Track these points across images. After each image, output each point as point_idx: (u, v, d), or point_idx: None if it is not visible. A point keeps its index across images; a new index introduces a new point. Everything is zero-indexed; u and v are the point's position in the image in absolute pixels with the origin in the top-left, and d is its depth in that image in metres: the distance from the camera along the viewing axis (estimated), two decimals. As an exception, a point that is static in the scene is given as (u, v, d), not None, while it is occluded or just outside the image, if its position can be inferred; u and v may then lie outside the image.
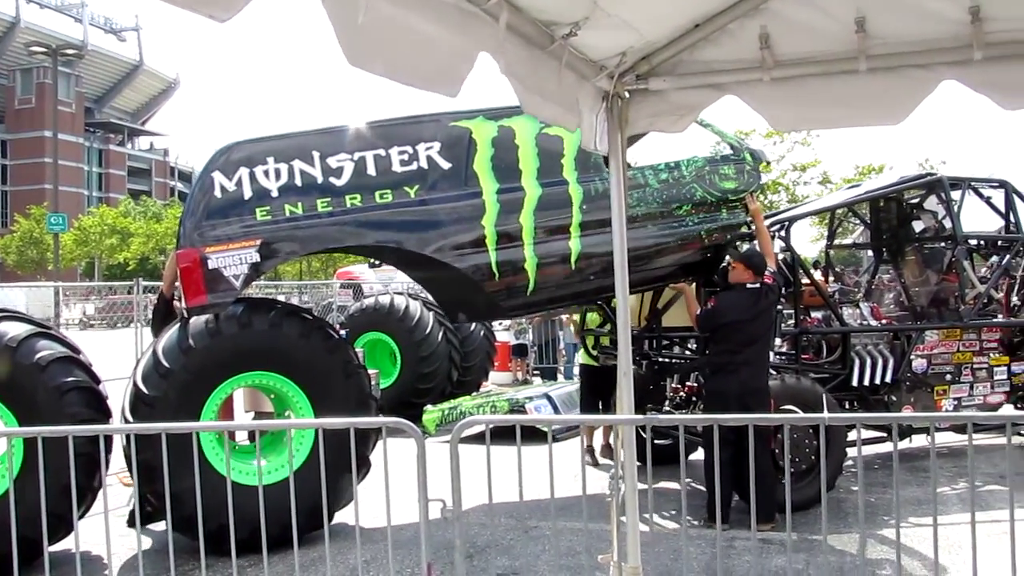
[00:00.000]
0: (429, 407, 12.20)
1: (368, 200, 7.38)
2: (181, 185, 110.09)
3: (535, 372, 18.03)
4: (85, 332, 30.46)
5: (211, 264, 7.09)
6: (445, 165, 7.53)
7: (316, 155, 7.39)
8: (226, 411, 9.05)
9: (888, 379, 8.79)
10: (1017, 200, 9.95)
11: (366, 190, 7.39)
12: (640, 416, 5.40)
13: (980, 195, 9.96)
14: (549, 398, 11.95)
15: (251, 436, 8.02)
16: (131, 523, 7.07)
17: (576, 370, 17.32)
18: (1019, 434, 10.18)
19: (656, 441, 8.87)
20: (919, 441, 9.54)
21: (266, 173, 7.30)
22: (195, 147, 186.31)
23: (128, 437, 6.45)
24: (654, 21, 4.08)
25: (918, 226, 10.16)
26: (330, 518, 6.96)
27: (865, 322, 9.14)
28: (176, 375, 6.96)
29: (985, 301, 9.45)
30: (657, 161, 8.26)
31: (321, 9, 2.59)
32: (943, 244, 9.92)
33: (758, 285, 7.34)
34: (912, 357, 8.85)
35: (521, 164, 7.65)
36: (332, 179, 7.35)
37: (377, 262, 31.78)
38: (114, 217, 70.15)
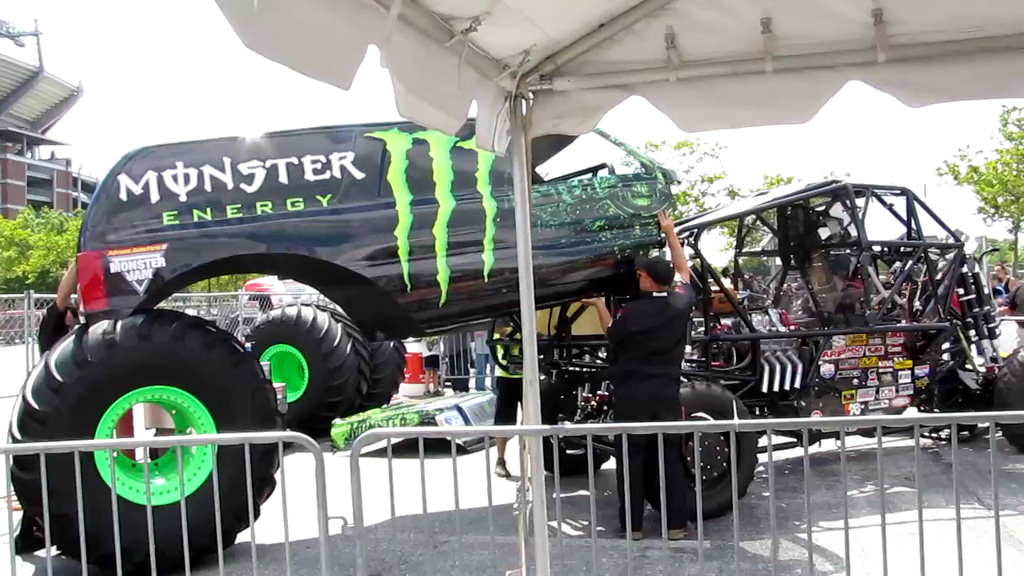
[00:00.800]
0: (338, 421, 11.91)
1: (279, 208, 7.24)
2: (84, 196, 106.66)
3: (447, 383, 17.85)
4: (-21, 349, 29.30)
5: (113, 268, 6.89)
6: (359, 175, 7.43)
7: (227, 161, 7.24)
8: (125, 427, 8.65)
9: (797, 384, 8.85)
10: (918, 207, 10.17)
11: (278, 198, 7.25)
12: (546, 427, 5.27)
13: (883, 202, 10.16)
14: (460, 409, 11.79)
15: (153, 453, 7.69)
16: (20, 549, 6.69)
17: (488, 381, 17.29)
18: (924, 436, 10.40)
19: (569, 451, 8.79)
20: (828, 445, 9.64)
21: (175, 178, 7.13)
22: (99, 157, 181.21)
23: (11, 457, 6.11)
24: (558, 18, 3.96)
25: (824, 233, 10.29)
26: (233, 538, 6.71)
27: (774, 328, 9.20)
28: (69, 389, 6.60)
29: (889, 306, 9.62)
30: (570, 177, 8.21)
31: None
32: (848, 251, 10.07)
33: (664, 294, 7.34)
34: (820, 362, 8.93)
35: (435, 177, 7.57)
36: (243, 185, 7.22)
37: (287, 275, 31.46)
38: (12, 229, 67.76)
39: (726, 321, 9.19)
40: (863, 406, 9.18)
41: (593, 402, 8.79)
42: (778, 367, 8.80)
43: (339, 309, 14.45)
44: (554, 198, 7.91)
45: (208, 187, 7.18)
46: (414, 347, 17.50)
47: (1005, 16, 3.80)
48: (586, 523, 7.66)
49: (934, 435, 10.56)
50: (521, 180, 4.48)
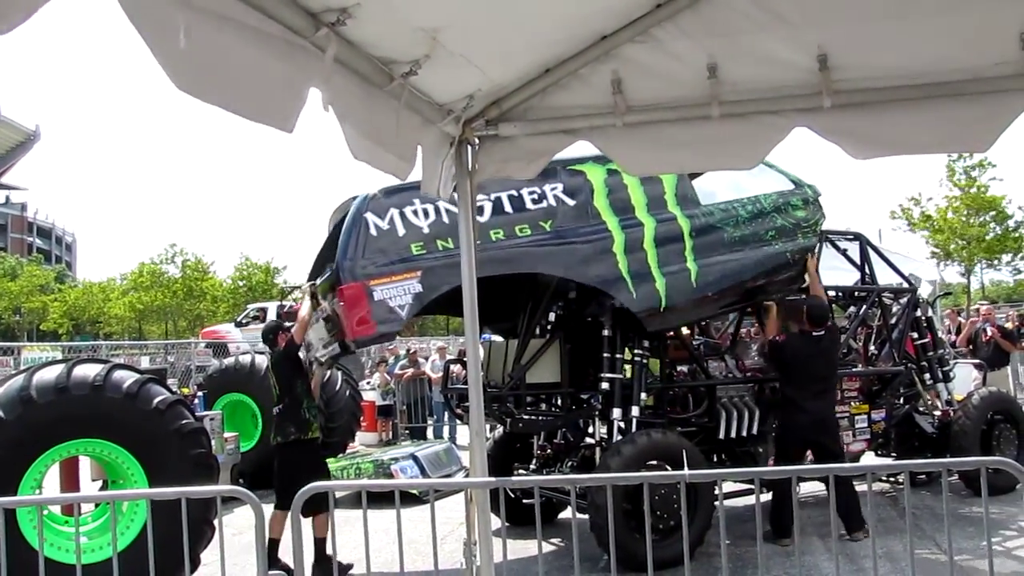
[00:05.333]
0: (291, 471, 11.63)
1: (510, 234, 7.91)
2: (40, 241, 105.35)
3: (405, 431, 17.61)
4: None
5: (376, 296, 7.41)
6: (570, 202, 8.20)
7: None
8: (70, 481, 8.37)
9: (754, 431, 8.78)
10: (871, 252, 10.22)
11: (506, 225, 7.93)
12: (492, 479, 5.14)
13: (837, 247, 10.20)
14: (416, 459, 11.57)
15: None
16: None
17: (446, 430, 17.07)
18: (880, 480, 10.37)
19: (525, 501, 8.64)
20: (786, 491, 9.55)
21: (415, 212, 7.79)
22: (57, 201, 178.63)
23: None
24: (501, 62, 3.91)
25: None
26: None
27: (730, 374, 9.15)
28: None
29: (844, 351, 9.60)
30: (741, 196, 8.95)
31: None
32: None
33: (822, 333, 8.36)
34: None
35: (632, 200, 8.41)
36: (475, 216, 7.59)
37: (245, 321, 31.29)
38: (-36, 275, 66.69)
39: (682, 367, 9.12)
40: (820, 451, 9.10)
41: (549, 451, 8.66)
42: (735, 413, 8.73)
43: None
44: (732, 213, 8.70)
45: (445, 219, 7.78)
46: (370, 395, 17.26)
47: (946, 64, 3.82)
48: None
49: (891, 479, 10.53)
50: (466, 225, 4.40)
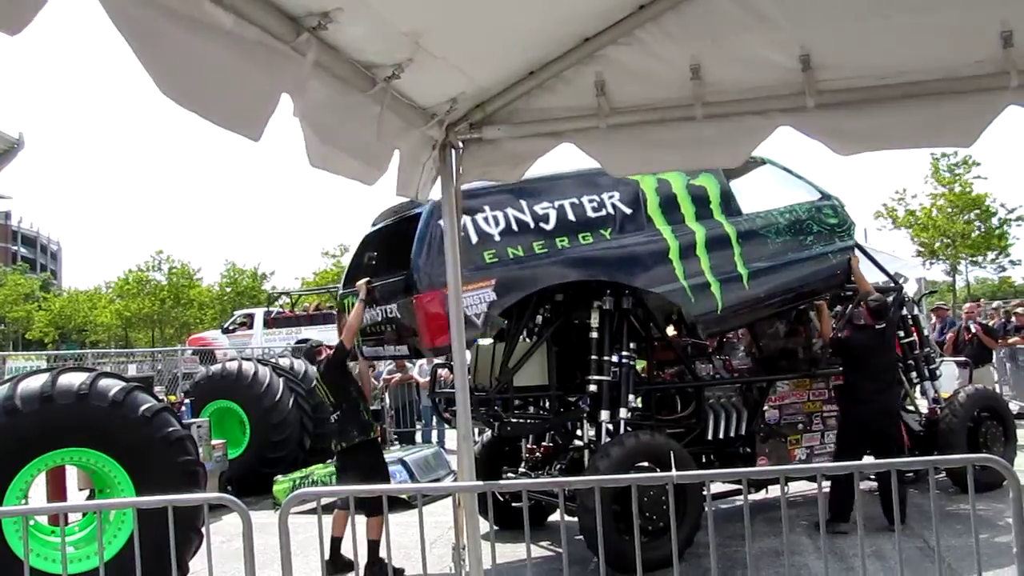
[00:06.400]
0: (280, 477, 11.63)
1: (574, 241, 8.06)
2: (24, 250, 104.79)
3: (394, 436, 17.55)
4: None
5: None
6: (627, 210, 8.40)
7: (524, 204, 8.02)
8: (57, 491, 8.31)
9: (742, 431, 8.80)
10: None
11: (571, 233, 8.08)
12: (481, 483, 5.13)
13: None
14: (404, 464, 11.54)
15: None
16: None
17: (434, 434, 17.02)
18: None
19: (513, 504, 8.62)
20: (775, 491, 9.56)
21: (485, 220, 7.81)
22: (42, 210, 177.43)
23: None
24: (484, 65, 3.91)
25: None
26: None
27: (718, 375, 9.17)
28: None
29: (831, 350, 9.62)
30: (778, 206, 9.33)
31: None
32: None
33: (883, 326, 8.75)
34: (765, 408, 8.90)
35: (682, 209, 8.67)
36: (542, 224, 8.02)
37: (232, 328, 31.17)
38: (-54, 284, 66.25)
39: (670, 369, 9.14)
40: (809, 451, 9.14)
41: (538, 454, 8.64)
42: (723, 414, 8.75)
43: (282, 363, 14.26)
44: (772, 220, 9.14)
45: (514, 227, 7.89)
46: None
47: (928, 62, 3.84)
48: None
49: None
50: (451, 229, 4.40)
